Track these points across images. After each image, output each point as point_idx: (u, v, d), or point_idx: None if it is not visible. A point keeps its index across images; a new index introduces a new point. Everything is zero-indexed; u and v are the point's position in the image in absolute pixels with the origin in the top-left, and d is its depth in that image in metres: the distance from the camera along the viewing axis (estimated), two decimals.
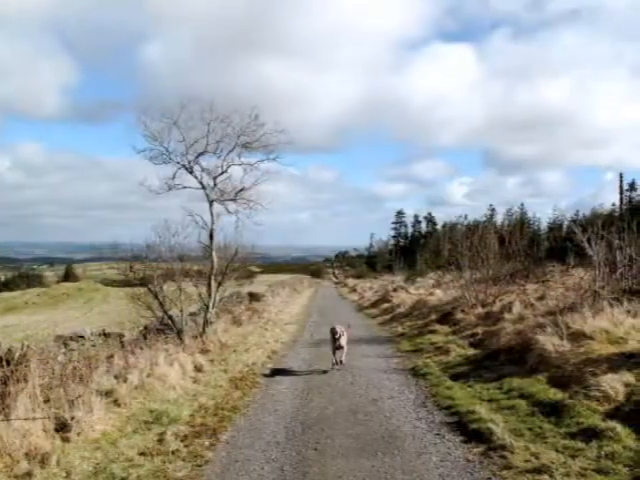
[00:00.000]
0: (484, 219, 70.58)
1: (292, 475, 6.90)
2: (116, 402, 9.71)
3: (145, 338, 15.60)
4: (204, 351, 15.52)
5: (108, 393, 9.86)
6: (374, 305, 35.56)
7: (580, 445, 7.06)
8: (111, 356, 12.32)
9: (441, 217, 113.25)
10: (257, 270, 61.70)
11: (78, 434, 8.00)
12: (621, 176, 58.91)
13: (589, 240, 15.93)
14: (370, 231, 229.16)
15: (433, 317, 21.66)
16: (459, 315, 20.02)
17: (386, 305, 32.16)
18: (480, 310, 19.71)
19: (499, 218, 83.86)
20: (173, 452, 7.68)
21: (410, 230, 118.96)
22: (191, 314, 19.75)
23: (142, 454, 7.59)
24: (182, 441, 8.16)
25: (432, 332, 18.78)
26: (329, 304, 42.14)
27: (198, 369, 13.32)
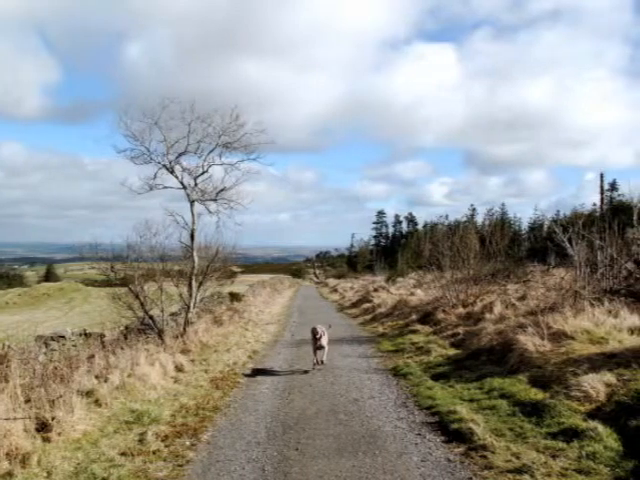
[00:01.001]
0: (465, 219, 71.10)
1: (273, 475, 6.88)
2: (97, 402, 9.66)
3: (126, 338, 15.49)
4: (185, 351, 15.45)
5: (89, 393, 9.80)
6: (355, 305, 35.54)
7: (561, 445, 7.10)
8: (92, 356, 12.22)
9: (422, 217, 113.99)
10: (238, 270, 61.61)
11: (59, 434, 7.94)
12: (602, 176, 59.43)
13: (570, 240, 16.06)
14: (351, 231, 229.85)
15: (414, 317, 21.65)
16: (440, 315, 20.01)
17: (367, 305, 32.12)
18: (461, 310, 19.77)
19: (480, 218, 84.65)
20: (154, 452, 7.66)
21: (391, 230, 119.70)
22: (172, 314, 19.68)
23: (123, 454, 7.55)
24: (163, 441, 8.13)
25: (413, 332, 18.81)
26: (310, 304, 42.03)
27: (179, 369, 13.28)
